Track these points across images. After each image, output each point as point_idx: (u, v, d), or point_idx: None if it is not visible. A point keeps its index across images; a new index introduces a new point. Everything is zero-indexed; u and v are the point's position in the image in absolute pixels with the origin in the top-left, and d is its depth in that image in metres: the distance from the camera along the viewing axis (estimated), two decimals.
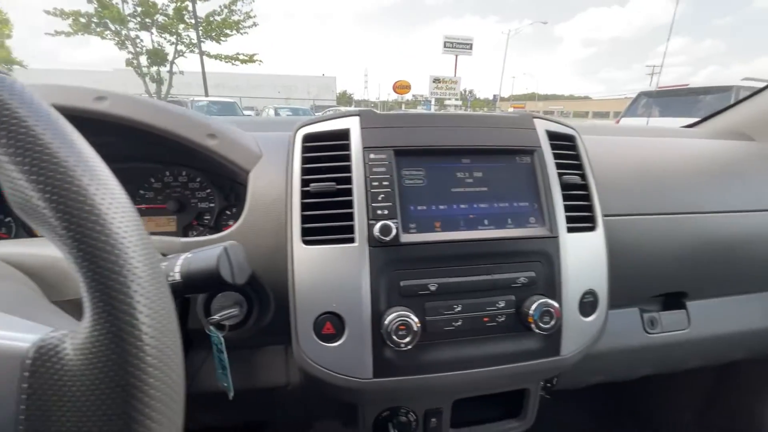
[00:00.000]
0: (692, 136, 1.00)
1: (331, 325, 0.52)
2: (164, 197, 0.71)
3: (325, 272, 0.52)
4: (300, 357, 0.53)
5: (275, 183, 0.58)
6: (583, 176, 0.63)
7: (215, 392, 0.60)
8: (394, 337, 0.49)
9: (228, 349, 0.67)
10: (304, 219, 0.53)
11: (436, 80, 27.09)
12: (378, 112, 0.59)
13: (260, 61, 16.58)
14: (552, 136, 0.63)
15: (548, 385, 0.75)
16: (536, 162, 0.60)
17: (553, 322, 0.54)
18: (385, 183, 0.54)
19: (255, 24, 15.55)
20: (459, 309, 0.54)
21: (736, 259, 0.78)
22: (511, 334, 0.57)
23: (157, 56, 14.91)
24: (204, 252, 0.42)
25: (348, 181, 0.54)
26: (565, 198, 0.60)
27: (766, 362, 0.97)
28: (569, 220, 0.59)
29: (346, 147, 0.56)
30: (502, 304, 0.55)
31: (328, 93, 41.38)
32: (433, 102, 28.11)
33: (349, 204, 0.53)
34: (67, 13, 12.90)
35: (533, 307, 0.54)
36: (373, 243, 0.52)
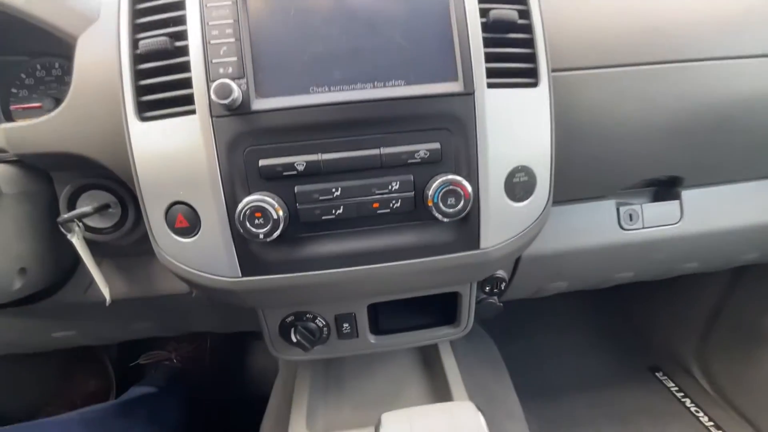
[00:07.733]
0: None
1: (183, 217, 0.43)
2: (39, 95, 0.62)
3: (168, 152, 0.42)
4: (159, 254, 0.46)
5: (111, 52, 0.46)
6: (525, 13, 0.46)
7: (115, 300, 0.56)
8: (249, 225, 0.40)
9: (124, 256, 0.62)
10: (139, 90, 0.43)
11: None
12: None
13: None
14: None
15: (495, 291, 0.65)
16: None
17: (460, 205, 0.42)
18: (228, 31, 0.40)
19: None
20: (338, 194, 0.43)
21: (757, 126, 0.58)
22: (413, 224, 0.46)
23: None
24: None
25: (186, 34, 0.42)
26: (492, 42, 0.44)
27: None
28: (495, 72, 0.44)
29: None
30: (396, 186, 0.44)
31: None
32: None
33: (188, 64, 0.41)
34: None
35: (434, 186, 0.42)
36: (217, 111, 0.40)
